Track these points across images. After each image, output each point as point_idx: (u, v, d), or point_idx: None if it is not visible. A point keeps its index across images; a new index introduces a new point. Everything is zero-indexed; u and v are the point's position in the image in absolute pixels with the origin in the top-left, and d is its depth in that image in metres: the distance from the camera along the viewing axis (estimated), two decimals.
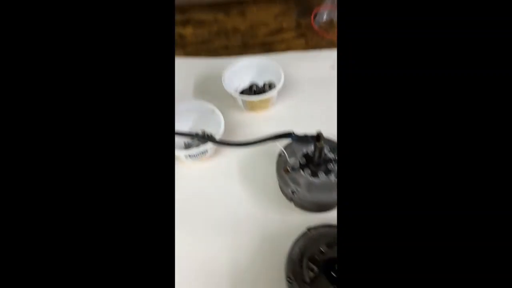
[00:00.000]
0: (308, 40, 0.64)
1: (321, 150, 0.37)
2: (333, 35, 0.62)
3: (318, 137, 0.35)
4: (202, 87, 0.57)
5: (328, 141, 0.42)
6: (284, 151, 0.40)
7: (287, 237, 0.39)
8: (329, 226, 0.35)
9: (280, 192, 0.42)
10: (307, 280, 0.31)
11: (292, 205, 0.41)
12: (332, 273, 0.31)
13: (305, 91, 0.55)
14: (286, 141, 0.42)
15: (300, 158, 0.41)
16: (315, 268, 0.31)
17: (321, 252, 0.32)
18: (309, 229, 0.35)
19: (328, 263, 0.31)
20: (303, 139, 0.35)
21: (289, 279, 0.32)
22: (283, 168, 0.40)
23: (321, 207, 0.39)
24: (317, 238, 0.34)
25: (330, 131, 0.43)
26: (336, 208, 0.40)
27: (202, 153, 0.44)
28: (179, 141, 0.48)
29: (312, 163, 0.39)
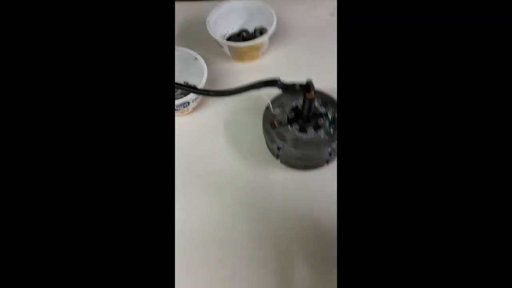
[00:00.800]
0: None
1: (310, 102, 0.33)
2: None
3: (307, 87, 0.31)
4: (187, 34, 0.52)
5: (320, 94, 0.38)
6: (270, 104, 0.37)
7: (268, 194, 0.37)
8: None
9: (267, 149, 0.39)
10: None
11: (278, 162, 0.39)
12: None
13: (300, 40, 0.50)
14: (274, 93, 0.38)
15: (289, 112, 0.37)
16: None
17: None
18: None
19: None
20: (291, 89, 0.31)
21: None
22: (269, 122, 0.37)
23: (307, 165, 0.37)
24: None
25: (326, 84, 0.39)
26: (323, 165, 0.38)
27: (184, 105, 0.40)
28: None
29: (301, 118, 0.36)
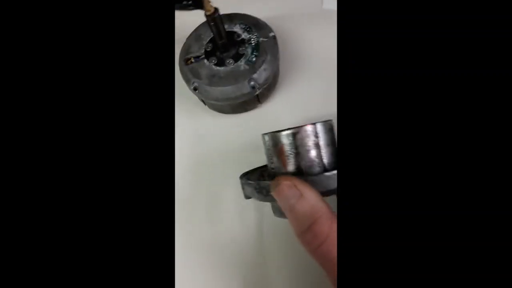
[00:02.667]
0: None
1: (215, 22, 0.26)
2: None
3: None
4: None
5: (243, 17, 0.31)
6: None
7: (198, 146, 0.31)
8: None
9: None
10: None
11: (206, 108, 0.33)
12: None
13: None
14: (191, 25, 0.32)
15: (207, 44, 0.30)
16: None
17: None
18: None
19: None
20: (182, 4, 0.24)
21: None
22: (184, 58, 0.30)
23: (233, 105, 0.30)
24: None
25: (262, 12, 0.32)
26: (255, 105, 0.31)
27: None
28: None
29: (218, 48, 0.29)
